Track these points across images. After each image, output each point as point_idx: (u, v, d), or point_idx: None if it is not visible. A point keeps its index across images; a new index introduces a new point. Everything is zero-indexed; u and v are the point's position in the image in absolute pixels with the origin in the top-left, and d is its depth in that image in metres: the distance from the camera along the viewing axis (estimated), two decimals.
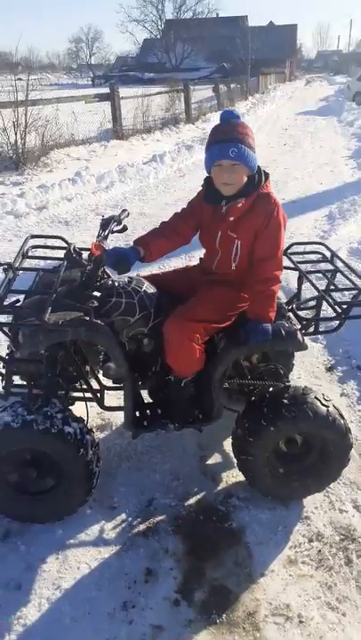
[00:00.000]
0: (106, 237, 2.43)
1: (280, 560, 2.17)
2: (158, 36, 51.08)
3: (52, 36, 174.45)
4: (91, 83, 42.42)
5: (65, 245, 2.60)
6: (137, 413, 2.41)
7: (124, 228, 2.55)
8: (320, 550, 2.21)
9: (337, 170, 9.79)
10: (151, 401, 2.49)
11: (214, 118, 15.32)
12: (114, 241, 2.62)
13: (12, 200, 6.60)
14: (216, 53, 41.66)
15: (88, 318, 2.08)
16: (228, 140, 2.11)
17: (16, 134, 8.36)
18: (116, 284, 2.32)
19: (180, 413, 2.37)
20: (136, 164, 8.94)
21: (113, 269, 2.17)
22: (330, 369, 3.52)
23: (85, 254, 2.46)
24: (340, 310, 2.34)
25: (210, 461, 2.65)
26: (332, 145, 12.59)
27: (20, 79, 9.54)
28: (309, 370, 3.50)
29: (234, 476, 2.55)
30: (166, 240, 2.33)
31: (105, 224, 2.49)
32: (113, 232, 2.52)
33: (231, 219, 2.24)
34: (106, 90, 11.26)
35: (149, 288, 2.38)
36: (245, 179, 2.20)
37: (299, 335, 2.29)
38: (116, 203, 7.36)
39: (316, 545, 2.23)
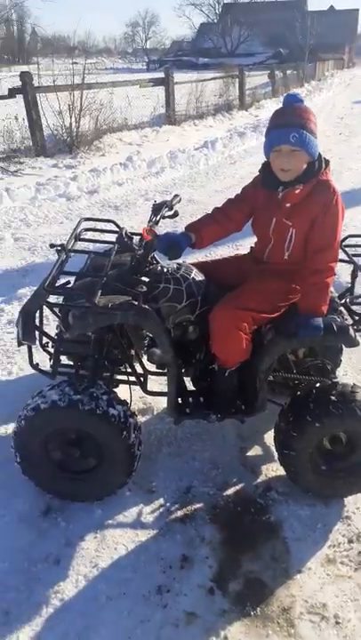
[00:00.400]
0: (157, 222, 2.42)
1: (318, 558, 2.13)
2: (215, 21, 50.33)
3: (109, 20, 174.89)
4: (145, 67, 42.33)
5: (116, 229, 2.61)
6: (179, 400, 2.40)
7: (176, 214, 2.53)
8: (360, 552, 2.16)
9: None
10: (194, 389, 2.49)
11: (268, 105, 15.03)
12: (162, 227, 2.60)
13: (65, 183, 6.69)
14: (273, 38, 40.68)
15: (137, 303, 2.08)
16: (289, 125, 2.05)
17: (71, 117, 8.44)
18: (165, 269, 2.31)
19: (222, 403, 2.35)
20: (187, 149, 8.88)
21: (164, 255, 2.16)
22: None
23: (136, 239, 2.46)
24: None
25: (250, 453, 2.63)
26: None
27: (75, 63, 9.60)
28: (357, 367, 3.40)
29: (274, 469, 2.52)
30: (218, 226, 2.30)
31: (157, 209, 2.48)
32: (164, 217, 2.51)
33: (287, 205, 2.18)
34: (160, 74, 11.20)
35: (198, 275, 2.36)
36: (305, 165, 2.13)
37: (351, 331, 2.22)
38: (166, 188, 7.34)
39: (356, 546, 2.18)
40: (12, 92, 8.08)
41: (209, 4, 51.90)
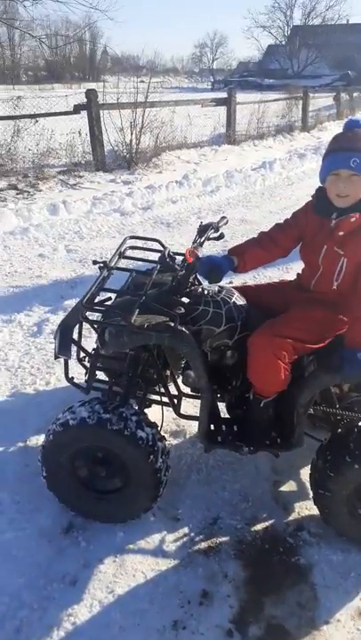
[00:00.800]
0: (202, 244, 2.38)
1: (348, 610, 1.98)
2: (283, 42, 50.50)
3: (178, 40, 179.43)
4: (210, 87, 42.95)
5: (161, 248, 2.59)
6: (212, 427, 2.33)
7: (221, 236, 2.49)
8: None
9: None
10: (228, 416, 2.41)
11: (332, 127, 14.82)
12: (212, 248, 2.55)
13: (121, 198, 6.81)
14: (341, 61, 40.29)
15: (173, 324, 2.04)
16: (349, 149, 1.98)
17: (132, 134, 8.62)
18: (206, 292, 2.26)
19: (256, 435, 2.25)
20: (244, 169, 8.85)
21: (205, 278, 2.12)
22: None
23: (179, 259, 2.43)
24: None
25: (283, 488, 2.51)
26: None
27: (142, 81, 9.85)
28: None
29: (308, 508, 2.38)
30: (263, 251, 2.23)
31: (202, 230, 2.45)
32: (210, 239, 2.47)
33: (341, 233, 2.09)
34: (223, 94, 11.29)
35: (239, 300, 2.30)
36: None
37: None
38: (220, 207, 7.32)
39: None
40: (77, 109, 8.36)
41: (278, 26, 52.17)
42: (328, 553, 2.18)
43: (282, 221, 2.29)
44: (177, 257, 2.44)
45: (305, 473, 2.47)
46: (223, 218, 2.61)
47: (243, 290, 2.42)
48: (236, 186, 8.21)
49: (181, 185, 7.73)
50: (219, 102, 10.99)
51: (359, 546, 2.21)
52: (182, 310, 2.13)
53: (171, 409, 2.40)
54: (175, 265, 2.37)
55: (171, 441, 2.74)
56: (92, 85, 11.05)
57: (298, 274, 2.40)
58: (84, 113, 8.35)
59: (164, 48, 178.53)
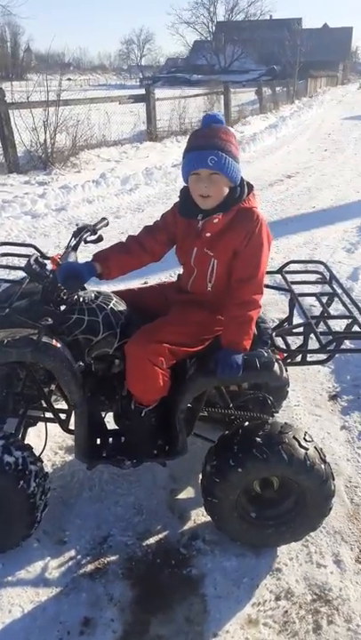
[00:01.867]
0: (75, 248, 2.26)
1: (239, 619, 1.92)
2: (209, 38, 50.92)
3: (104, 37, 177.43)
4: (139, 84, 42.70)
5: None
6: (97, 440, 2.22)
7: (100, 239, 2.37)
8: (287, 611, 1.95)
9: None
10: (116, 427, 2.30)
11: (255, 122, 15.02)
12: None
13: (33, 200, 6.55)
14: (266, 56, 41.10)
15: (37, 338, 1.90)
16: (207, 147, 1.89)
17: (46, 133, 8.34)
18: (81, 299, 2.14)
19: (140, 445, 2.16)
20: (164, 166, 8.77)
21: (63, 286, 1.99)
22: (333, 397, 3.22)
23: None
24: (325, 342, 2.07)
25: (181, 495, 2.43)
26: None
27: (69, 79, 9.57)
28: (310, 397, 3.22)
29: (204, 514, 2.31)
30: (130, 257, 2.13)
31: (77, 233, 2.32)
32: (86, 242, 2.35)
33: (207, 235, 2.02)
34: (141, 91, 11.15)
35: (118, 305, 2.19)
36: (226, 191, 1.97)
37: (277, 367, 2.04)
38: (139, 206, 7.21)
39: (284, 604, 1.98)
40: None
41: (202, 22, 52.52)
42: (222, 560, 2.12)
43: (152, 223, 2.20)
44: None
45: None
46: (103, 219, 2.49)
47: (124, 294, 2.32)
48: (156, 183, 8.11)
49: (98, 184, 7.54)
50: (137, 99, 10.85)
51: (253, 549, 2.16)
52: (50, 321, 2.00)
53: None
54: (45, 272, 2.23)
55: (66, 457, 2.60)
56: (15, 84, 10.67)
57: (178, 275, 2.33)
58: None
59: (90, 45, 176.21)
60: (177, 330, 2.04)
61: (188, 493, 2.44)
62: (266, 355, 2.07)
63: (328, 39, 45.75)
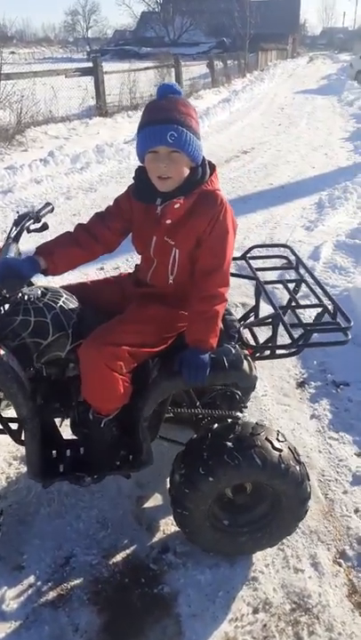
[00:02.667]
0: (17, 238, 2.01)
1: (215, 638, 1.79)
2: (157, 9, 49.50)
3: (48, 7, 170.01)
4: (86, 57, 41.20)
5: None
6: (53, 452, 2.01)
7: (44, 227, 2.11)
8: (266, 625, 1.83)
9: (332, 153, 9.29)
10: (74, 437, 2.08)
11: (207, 95, 14.68)
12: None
13: None
14: (216, 28, 40.34)
15: None
16: (165, 121, 1.66)
17: None
18: (26, 297, 1.89)
19: (101, 457, 1.96)
20: (116, 143, 8.41)
21: (0, 285, 1.74)
22: (301, 384, 3.11)
23: None
24: (296, 335, 1.91)
25: (148, 504, 2.26)
26: (329, 126, 12.03)
27: (12, 52, 8.96)
28: (278, 385, 3.10)
29: (175, 523, 2.15)
30: (79, 249, 1.89)
31: (18, 221, 2.06)
32: (29, 231, 2.10)
33: (168, 222, 1.79)
34: (89, 64, 10.63)
35: (69, 302, 1.96)
36: (187, 171, 1.75)
37: (246, 365, 1.88)
38: (91, 185, 6.87)
39: (262, 617, 1.85)
40: None
41: None
42: (195, 573, 1.98)
43: (104, 210, 1.97)
44: None
45: None
46: (47, 204, 2.23)
47: (75, 289, 2.07)
48: (108, 161, 7.76)
49: (47, 163, 7.14)
50: (84, 72, 10.32)
51: (228, 559, 2.02)
52: None
53: None
54: None
55: (20, 468, 2.38)
56: None
57: (136, 265, 2.11)
58: None
59: (34, 16, 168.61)
60: (136, 329, 1.84)
61: (155, 500, 2.28)
62: (233, 352, 1.90)
63: (276, 11, 45.18)
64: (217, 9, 40.67)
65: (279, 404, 2.94)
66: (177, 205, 1.75)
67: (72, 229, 1.93)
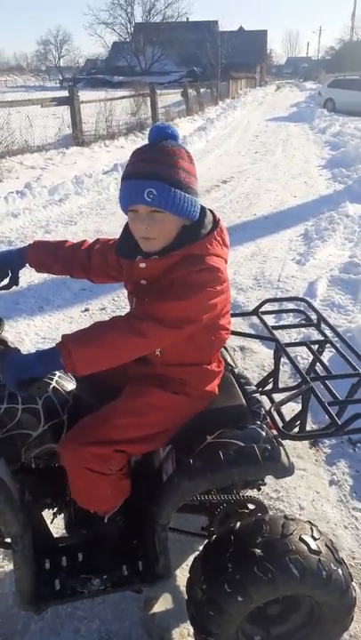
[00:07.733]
0: None
1: None
2: (128, 40, 50.31)
3: (20, 37, 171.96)
4: (59, 85, 41.42)
5: None
6: (47, 564, 1.65)
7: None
8: None
9: (311, 181, 9.24)
10: (67, 544, 1.74)
11: (183, 124, 14.69)
12: None
13: None
14: (186, 58, 41.18)
15: None
16: (145, 176, 1.35)
17: None
18: None
19: (104, 564, 1.61)
20: (95, 173, 8.16)
21: None
22: (314, 443, 2.82)
23: None
24: (338, 419, 1.64)
25: (157, 608, 1.91)
26: (305, 153, 12.10)
27: None
28: (290, 445, 2.80)
29: (190, 633, 1.81)
30: (63, 268, 1.75)
31: None
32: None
33: (143, 282, 1.51)
34: (64, 93, 10.45)
35: (63, 380, 1.65)
36: (175, 231, 1.44)
37: (283, 455, 1.58)
38: (70, 218, 6.58)
39: None
40: None
41: (121, 23, 51.74)
42: None
43: (110, 241, 1.74)
44: None
45: (184, 575, 1.88)
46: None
47: None
48: (87, 192, 7.50)
49: (24, 195, 6.83)
50: (61, 101, 10.13)
51: None
52: None
53: None
54: None
55: (4, 566, 2.01)
56: None
57: None
58: None
59: (5, 45, 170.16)
60: (128, 422, 1.51)
61: (165, 602, 1.93)
62: (264, 435, 1.61)
63: (245, 41, 46.63)
64: (187, 39, 41.59)
65: (295, 467, 2.64)
66: (142, 265, 1.46)
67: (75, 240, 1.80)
